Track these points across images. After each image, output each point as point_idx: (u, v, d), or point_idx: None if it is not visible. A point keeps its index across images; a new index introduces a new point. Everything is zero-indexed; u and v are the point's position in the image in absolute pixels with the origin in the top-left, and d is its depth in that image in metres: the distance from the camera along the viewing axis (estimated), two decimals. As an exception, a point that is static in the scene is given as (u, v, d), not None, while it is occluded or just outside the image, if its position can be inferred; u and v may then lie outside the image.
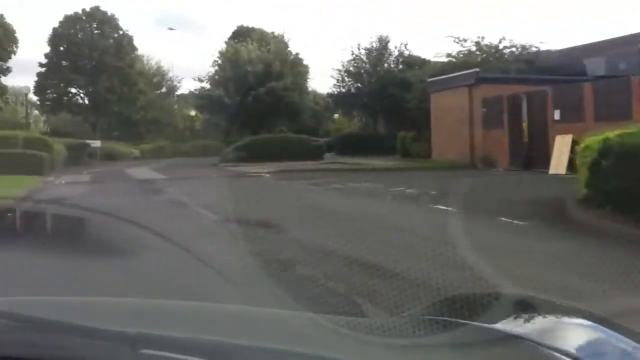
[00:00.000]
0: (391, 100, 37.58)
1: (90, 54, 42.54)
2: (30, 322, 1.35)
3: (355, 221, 9.97)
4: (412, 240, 7.75)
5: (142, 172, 28.72)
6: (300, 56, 43.06)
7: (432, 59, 35.61)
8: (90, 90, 42.05)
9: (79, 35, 42.26)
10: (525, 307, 1.83)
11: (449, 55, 33.09)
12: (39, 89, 41.51)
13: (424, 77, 33.13)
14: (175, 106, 56.20)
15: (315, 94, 51.19)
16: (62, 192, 16.88)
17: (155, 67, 54.30)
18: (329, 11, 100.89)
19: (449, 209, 11.64)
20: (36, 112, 56.42)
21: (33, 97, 42.79)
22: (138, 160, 43.90)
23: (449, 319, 1.62)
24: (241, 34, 47.49)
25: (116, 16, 45.19)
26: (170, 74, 55.48)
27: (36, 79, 41.34)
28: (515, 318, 1.70)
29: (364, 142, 39.65)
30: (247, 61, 38.12)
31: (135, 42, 46.79)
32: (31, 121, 59.81)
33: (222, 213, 10.87)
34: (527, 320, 1.67)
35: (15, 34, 36.82)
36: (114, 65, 41.57)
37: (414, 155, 33.39)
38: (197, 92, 42.41)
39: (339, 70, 41.83)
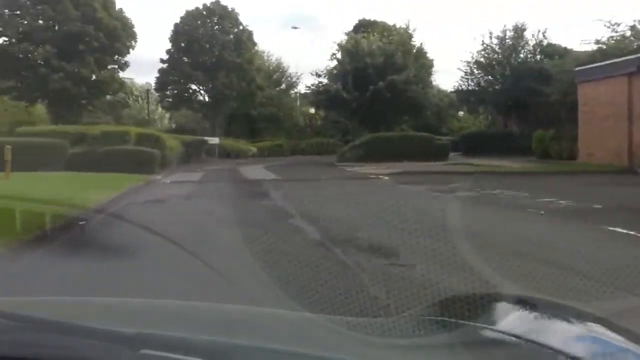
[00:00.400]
0: (526, 94, 33.46)
1: (210, 50, 42.42)
2: (30, 322, 1.35)
3: (518, 254, 7.02)
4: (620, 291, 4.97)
5: (255, 171, 27.45)
6: (424, 48, 39.80)
7: (577, 47, 31.07)
8: (210, 86, 41.89)
9: (200, 31, 42.22)
10: (525, 307, 1.83)
11: (597, 41, 28.58)
12: (160, 85, 42.15)
13: (567, 67, 28.88)
14: (297, 102, 55.14)
15: (438, 90, 47.78)
16: (158, 193, 15.56)
17: (275, 63, 53.62)
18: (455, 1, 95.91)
19: (633, 232, 8.53)
20: (161, 109, 58.23)
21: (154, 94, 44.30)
22: (255, 158, 43.25)
23: (449, 319, 1.63)
24: (363, 27, 45.26)
25: (236, 10, 44.77)
26: (290, 71, 54.60)
27: (157, 75, 42.07)
28: (515, 318, 1.69)
29: (492, 142, 35.91)
30: (368, 53, 35.79)
31: (255, 39, 46.28)
32: (156, 118, 62.46)
33: (328, 230, 8.61)
34: (527, 320, 1.67)
35: (134, 29, 37.57)
36: (232, 61, 41.06)
37: (554, 156, 29.25)
38: (314, 87, 40.76)
39: (468, 62, 38.24)
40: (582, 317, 1.74)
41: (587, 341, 1.54)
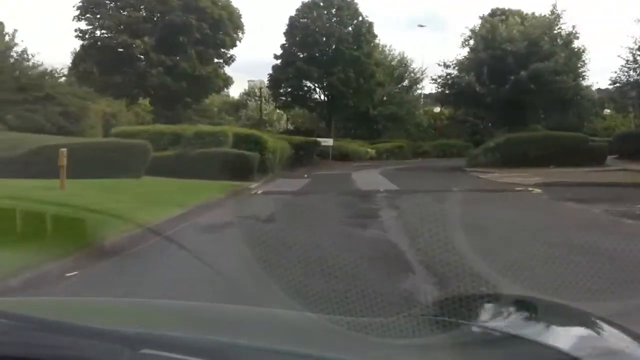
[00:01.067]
0: None
1: (327, 43, 39.01)
2: (31, 322, 1.36)
3: None
4: None
5: (370, 178, 23.47)
6: (576, 31, 33.14)
7: None
8: (325, 83, 38.59)
9: (316, 24, 38.91)
10: (525, 307, 1.84)
11: None
12: (274, 82, 39.53)
13: None
14: (421, 100, 50.37)
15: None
16: (235, 211, 12.06)
17: (398, 58, 49.20)
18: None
19: None
20: (279, 110, 56.10)
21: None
22: (372, 161, 39.28)
23: (449, 319, 1.65)
24: (497, 16, 39.49)
25: (355, 0, 40.87)
26: (413, 66, 49.92)
27: (270, 72, 39.38)
28: (515, 318, 1.73)
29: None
30: (507, 39, 30.34)
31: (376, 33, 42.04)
32: (274, 119, 60.59)
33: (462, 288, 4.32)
34: (527, 320, 1.70)
35: (241, 19, 34.79)
36: (350, 55, 37.36)
37: None
38: (441, 79, 35.73)
39: (630, 49, 31.38)
40: (582, 317, 1.78)
41: (587, 341, 1.56)
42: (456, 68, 34.80)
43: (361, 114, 45.08)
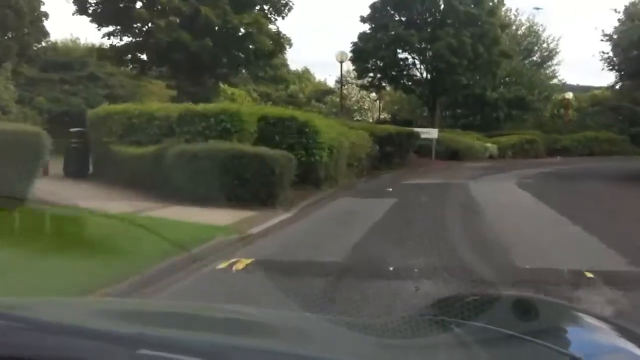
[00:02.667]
0: None
1: (433, 1, 28.38)
2: (30, 322, 1.34)
3: None
4: None
5: (507, 195, 13.41)
6: None
7: None
8: (429, 53, 28.15)
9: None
10: (525, 307, 1.86)
11: None
12: (359, 55, 29.40)
13: None
14: (560, 79, 38.33)
15: None
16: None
17: (526, 25, 37.51)
18: None
19: None
20: (365, 91, 45.97)
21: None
22: (493, 161, 28.52)
23: (449, 318, 1.69)
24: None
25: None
26: (545, 35, 37.94)
27: (355, 41, 29.19)
28: (515, 318, 1.74)
29: None
30: None
31: None
32: (365, 107, 50.71)
33: None
34: (527, 320, 1.69)
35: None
36: (465, 12, 26.55)
37: None
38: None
39: None
40: (581, 317, 1.82)
41: (587, 341, 1.60)
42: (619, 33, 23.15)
43: (476, 97, 34.16)
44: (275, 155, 10.03)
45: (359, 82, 34.39)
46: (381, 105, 48.10)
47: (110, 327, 1.37)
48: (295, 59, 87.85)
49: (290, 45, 23.72)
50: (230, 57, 21.84)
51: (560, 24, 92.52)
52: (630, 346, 1.49)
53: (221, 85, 24.37)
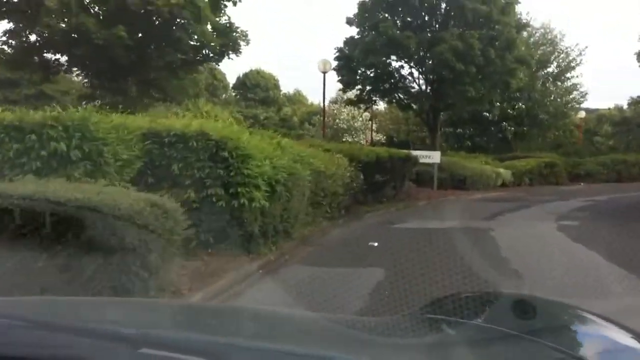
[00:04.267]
0: None
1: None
2: (29, 322, 1.35)
3: None
4: None
5: (559, 255, 8.28)
6: None
7: None
8: (428, 59, 23.17)
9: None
10: (525, 307, 1.86)
11: None
12: (344, 62, 24.37)
13: None
14: (580, 94, 33.40)
15: None
16: None
17: (541, 29, 32.70)
18: None
19: None
20: (366, 113, 41.15)
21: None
22: (510, 190, 23.52)
23: (449, 318, 1.70)
24: None
25: None
26: (563, 44, 33.13)
27: (340, 47, 24.23)
28: (515, 318, 1.72)
29: None
30: None
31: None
32: (357, 125, 45.83)
33: None
34: (527, 320, 1.69)
35: None
36: (474, 9, 21.55)
37: None
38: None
39: None
40: (581, 316, 1.79)
41: (587, 340, 1.60)
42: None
43: (482, 112, 29.34)
44: (131, 207, 4.99)
45: (345, 96, 29.31)
46: (374, 124, 43.33)
47: (110, 327, 1.36)
48: (286, 83, 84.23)
49: (247, 41, 18.60)
50: (158, 54, 16.52)
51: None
52: (630, 345, 1.50)
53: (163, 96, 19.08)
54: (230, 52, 17.64)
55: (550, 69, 33.00)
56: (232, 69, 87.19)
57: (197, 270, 6.72)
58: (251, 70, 58.95)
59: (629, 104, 44.02)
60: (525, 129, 31.91)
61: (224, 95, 55.56)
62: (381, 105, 34.79)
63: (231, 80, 57.02)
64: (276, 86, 59.35)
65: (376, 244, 9.40)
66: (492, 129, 31.00)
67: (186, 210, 5.97)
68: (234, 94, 57.76)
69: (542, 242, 9.99)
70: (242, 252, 7.34)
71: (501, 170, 24.66)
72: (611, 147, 37.24)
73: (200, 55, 17.83)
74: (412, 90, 26.09)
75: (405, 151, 19.19)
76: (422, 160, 21.03)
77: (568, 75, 32.89)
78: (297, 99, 61.95)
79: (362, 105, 28.64)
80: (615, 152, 32.55)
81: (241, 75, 58.64)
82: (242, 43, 17.88)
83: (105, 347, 1.18)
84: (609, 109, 45.62)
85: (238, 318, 1.70)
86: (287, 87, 79.41)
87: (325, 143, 16.21)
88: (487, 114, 29.51)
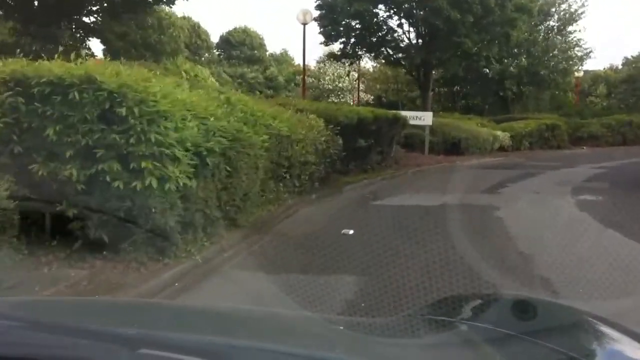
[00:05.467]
0: None
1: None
2: (29, 322, 1.35)
3: None
4: None
5: (598, 251, 5.96)
6: None
7: None
8: (418, 9, 20.56)
9: None
10: (525, 307, 1.83)
11: None
12: (327, 12, 21.77)
13: None
14: (579, 51, 30.93)
15: None
16: None
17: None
18: None
19: None
20: (354, 73, 38.45)
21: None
22: (510, 155, 21.31)
23: (449, 319, 1.69)
24: None
25: None
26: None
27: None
28: (515, 318, 1.72)
29: None
30: None
31: None
32: (345, 85, 43.21)
33: None
34: (527, 320, 1.68)
35: None
36: None
37: None
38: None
39: None
40: (581, 317, 1.79)
41: (586, 341, 1.60)
42: None
43: (479, 70, 26.95)
44: None
45: (327, 49, 26.62)
46: (361, 84, 40.81)
47: (110, 327, 1.36)
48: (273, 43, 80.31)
49: None
50: None
51: None
52: (629, 346, 1.50)
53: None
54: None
55: (551, 22, 30.47)
56: (216, 29, 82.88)
57: (78, 284, 4.52)
58: (236, 28, 55.82)
59: (623, 64, 42.07)
60: (525, 88, 29.53)
61: (206, 55, 52.66)
62: (369, 64, 32.28)
63: (215, 40, 53.84)
64: (262, 45, 56.51)
65: (351, 232, 7.19)
66: (492, 87, 28.57)
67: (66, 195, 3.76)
68: (217, 53, 54.64)
69: (565, 228, 7.85)
70: (154, 255, 5.12)
71: (499, 132, 22.41)
72: (605, 108, 35.17)
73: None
74: (402, 44, 23.52)
75: (393, 112, 16.84)
76: (412, 122, 18.81)
77: (570, 29, 30.39)
78: (283, 59, 59.19)
79: (346, 61, 25.94)
80: (610, 113, 30.31)
81: (225, 33, 55.66)
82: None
83: (105, 348, 1.17)
84: (604, 69, 43.70)
85: (238, 318, 1.67)
86: (274, 47, 76.41)
87: (299, 101, 13.83)
88: (487, 71, 26.98)
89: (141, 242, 5.00)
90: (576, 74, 34.39)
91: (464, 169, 16.87)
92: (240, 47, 54.77)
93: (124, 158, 4.90)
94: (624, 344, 1.52)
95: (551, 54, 29.46)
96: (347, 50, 23.81)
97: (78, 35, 14.80)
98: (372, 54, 24.62)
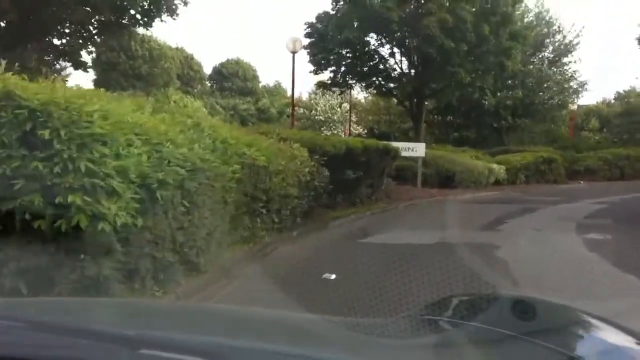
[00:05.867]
0: None
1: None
2: (28, 322, 1.34)
3: None
4: None
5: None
6: None
7: None
8: (411, 39, 19.96)
9: None
10: (524, 307, 1.85)
11: None
12: (317, 41, 21.11)
13: None
14: (573, 83, 30.45)
15: None
16: None
17: (535, 11, 29.49)
18: None
19: None
20: (345, 104, 37.87)
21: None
22: (506, 189, 20.52)
23: (449, 319, 1.73)
24: None
25: None
26: (558, 25, 30.13)
27: (312, 23, 20.74)
28: (515, 318, 1.73)
29: None
30: None
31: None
32: (336, 118, 42.55)
33: None
34: (527, 320, 1.69)
35: None
36: None
37: None
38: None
39: None
40: (581, 317, 1.79)
41: (586, 341, 1.62)
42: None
43: (473, 103, 26.37)
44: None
45: (318, 78, 25.94)
46: (354, 115, 40.22)
47: (110, 327, 1.35)
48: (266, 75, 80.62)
49: (186, 2, 15.19)
50: (63, 13, 12.82)
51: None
52: (629, 346, 1.51)
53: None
54: (162, 13, 14.31)
55: (545, 53, 30.05)
56: (209, 61, 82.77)
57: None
58: (228, 60, 55.73)
59: (615, 99, 42.00)
60: (520, 120, 28.92)
61: (199, 86, 51.82)
62: (361, 95, 31.70)
63: (208, 72, 53.64)
64: (255, 77, 56.32)
65: (333, 277, 6.26)
66: (486, 119, 27.94)
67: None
68: (209, 84, 54.15)
69: (577, 271, 6.95)
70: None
71: (494, 165, 21.66)
72: (598, 142, 34.70)
73: (125, 17, 14.37)
74: (394, 73, 22.89)
75: (384, 142, 16.07)
76: (404, 154, 18.05)
77: (565, 60, 29.97)
78: (276, 90, 58.99)
79: (336, 90, 25.24)
80: (604, 147, 29.66)
81: (218, 65, 55.49)
82: (177, 2, 14.46)
83: (104, 348, 1.17)
84: (597, 103, 43.56)
85: (238, 319, 1.64)
86: (267, 79, 76.33)
87: (283, 130, 13.01)
88: (484, 102, 26.32)
89: (67, 294, 4.06)
90: (571, 106, 33.96)
91: (459, 203, 16.02)
92: (233, 78, 54.54)
93: (48, 191, 3.99)
94: (623, 344, 1.51)
95: (545, 86, 28.94)
96: (338, 79, 23.14)
97: (47, 58, 14.02)
98: (364, 84, 23.96)
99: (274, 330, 1.53)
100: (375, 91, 24.66)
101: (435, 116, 30.13)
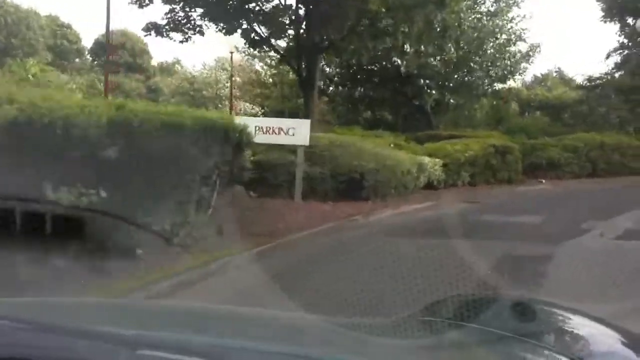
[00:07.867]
0: None
1: None
2: (30, 323, 1.36)
3: None
4: None
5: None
6: None
7: None
8: None
9: None
10: (524, 308, 1.87)
11: None
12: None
13: None
14: (520, 45, 23.17)
15: None
16: None
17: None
18: None
19: None
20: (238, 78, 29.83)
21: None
22: (442, 198, 13.07)
23: (449, 319, 1.73)
24: None
25: None
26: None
27: None
28: (515, 319, 1.74)
29: None
30: None
31: None
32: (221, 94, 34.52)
33: None
34: (526, 321, 1.71)
35: None
36: None
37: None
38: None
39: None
40: (580, 317, 1.83)
41: (585, 341, 1.63)
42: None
43: (392, 68, 18.98)
44: None
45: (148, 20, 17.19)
46: (234, 88, 31.90)
47: (110, 327, 1.36)
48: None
49: None
50: None
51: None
52: (628, 346, 1.53)
53: None
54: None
55: (484, 7, 22.87)
56: (93, 32, 72.36)
57: None
58: (113, 31, 47.56)
59: (532, 82, 36.17)
60: (451, 95, 21.75)
61: (77, 60, 48.00)
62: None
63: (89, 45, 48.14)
64: (146, 52, 48.60)
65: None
66: (406, 91, 20.68)
67: None
68: (90, 58, 48.92)
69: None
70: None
71: (426, 159, 14.18)
72: (550, 124, 28.41)
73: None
74: (268, 8, 14.78)
75: (210, 115, 8.09)
76: (280, 141, 10.68)
77: (510, 15, 22.83)
78: (173, 68, 51.25)
79: (175, 35, 16.67)
80: (563, 132, 23.17)
81: (100, 36, 47.03)
82: None
83: (104, 349, 1.17)
84: (517, 84, 37.79)
85: (237, 319, 1.67)
86: (165, 56, 69.35)
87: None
88: (399, 61, 18.92)
89: None
90: (519, 76, 26.95)
91: (367, 244, 8.17)
92: (120, 52, 47.03)
93: None
94: (622, 345, 1.55)
95: (486, 48, 21.87)
96: (178, 19, 14.73)
97: None
98: (223, 26, 15.55)
99: (274, 330, 1.54)
100: (244, 40, 16.45)
101: (340, 87, 22.44)
